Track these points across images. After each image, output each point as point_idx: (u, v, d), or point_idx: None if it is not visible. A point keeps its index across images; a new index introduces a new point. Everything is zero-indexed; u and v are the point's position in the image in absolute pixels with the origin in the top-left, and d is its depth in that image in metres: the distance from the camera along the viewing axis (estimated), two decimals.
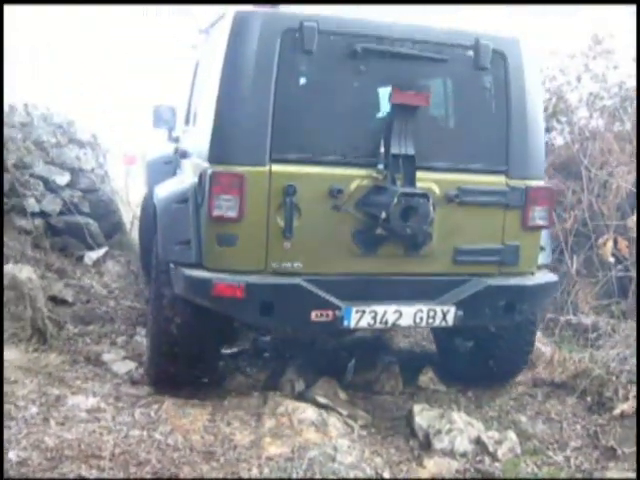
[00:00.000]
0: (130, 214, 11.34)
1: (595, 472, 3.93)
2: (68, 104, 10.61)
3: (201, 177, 4.24)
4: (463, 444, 4.13)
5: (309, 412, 4.18)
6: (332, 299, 4.19)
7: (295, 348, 5.81)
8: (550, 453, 4.21)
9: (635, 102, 6.88)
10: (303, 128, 4.22)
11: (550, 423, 4.57)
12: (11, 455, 3.28)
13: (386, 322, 4.32)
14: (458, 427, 4.23)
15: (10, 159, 7.49)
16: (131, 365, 5.21)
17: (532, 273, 4.72)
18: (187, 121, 5.75)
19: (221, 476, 3.40)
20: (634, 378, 4.62)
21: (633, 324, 5.55)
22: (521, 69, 4.54)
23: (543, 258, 4.87)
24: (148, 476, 3.32)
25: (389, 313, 4.29)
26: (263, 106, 4.10)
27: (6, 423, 3.61)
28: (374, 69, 4.32)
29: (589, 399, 4.74)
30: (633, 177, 6.32)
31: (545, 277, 4.81)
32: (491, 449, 4.10)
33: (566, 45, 7.35)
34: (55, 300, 6.61)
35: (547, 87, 7.57)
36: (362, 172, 4.26)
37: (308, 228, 4.18)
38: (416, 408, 4.49)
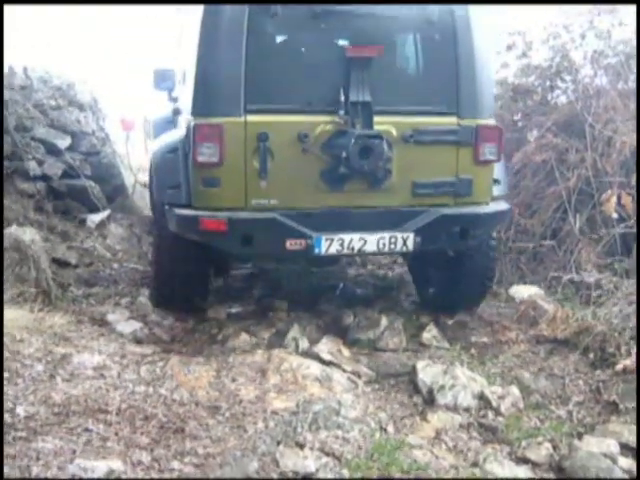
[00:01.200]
0: (132, 178, 11.33)
1: (597, 425, 3.96)
2: (67, 67, 10.52)
3: (187, 129, 4.83)
4: (466, 399, 4.16)
5: (313, 368, 4.22)
6: (304, 229, 4.79)
7: (299, 308, 5.84)
8: (552, 407, 4.23)
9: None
10: (272, 82, 4.81)
11: (552, 379, 4.57)
12: (19, 410, 3.31)
13: (352, 248, 4.92)
14: (461, 382, 4.25)
15: (10, 122, 7.45)
16: (136, 325, 5.24)
17: (486, 203, 5.26)
18: (180, 81, 6.09)
19: (227, 430, 3.43)
20: (636, 334, 4.64)
21: (635, 281, 5.55)
22: (468, 22, 5.05)
23: (498, 190, 5.42)
24: (154, 430, 3.35)
25: (355, 240, 4.89)
26: (236, 65, 4.68)
27: (13, 380, 3.65)
28: (333, 27, 4.90)
29: (591, 355, 4.74)
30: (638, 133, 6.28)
31: (497, 206, 5.34)
32: (494, 404, 4.12)
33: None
34: (59, 262, 6.64)
35: (551, 44, 7.48)
36: (325, 118, 4.83)
37: (280, 169, 4.76)
38: (419, 364, 4.52)
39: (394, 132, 4.90)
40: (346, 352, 4.93)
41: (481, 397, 4.20)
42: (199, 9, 4.90)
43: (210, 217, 4.69)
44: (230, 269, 6.72)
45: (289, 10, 4.76)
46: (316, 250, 4.83)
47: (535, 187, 6.79)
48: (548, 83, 7.61)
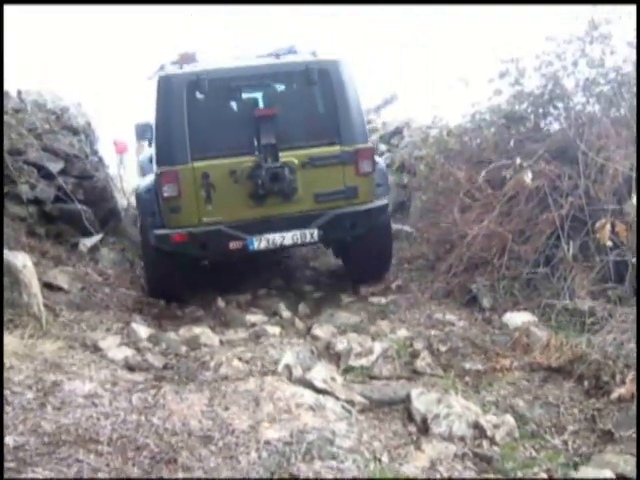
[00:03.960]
0: (124, 201, 11.31)
1: (593, 455, 3.92)
2: (61, 90, 10.54)
3: (155, 175, 6.95)
4: (461, 428, 4.12)
5: (307, 396, 4.18)
6: (241, 234, 6.82)
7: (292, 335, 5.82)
8: (548, 437, 4.19)
9: (634, 88, 6.85)
10: (208, 138, 6.81)
11: (547, 407, 4.54)
12: (8, 440, 3.25)
13: (275, 243, 6.94)
14: (456, 411, 4.22)
15: (4, 146, 7.43)
16: (127, 351, 5.19)
17: (371, 201, 7.19)
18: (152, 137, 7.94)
19: (220, 460, 3.38)
20: (631, 362, 4.61)
21: (629, 309, 5.53)
22: (341, 78, 7.06)
23: (382, 191, 7.44)
24: (146, 460, 3.30)
25: (277, 238, 6.91)
26: (182, 129, 6.73)
27: (3, 409, 3.59)
28: (247, 94, 7.31)
29: (586, 383, 4.71)
30: (630, 161, 6.29)
31: (377, 203, 7.25)
32: (489, 433, 4.09)
33: (563, 30, 7.31)
34: (50, 287, 6.60)
35: (543, 72, 7.54)
36: (247, 158, 6.83)
37: (220, 195, 6.79)
38: (414, 392, 4.49)
39: (296, 161, 6.91)
40: (340, 379, 4.90)
41: (476, 426, 4.16)
42: (155, 92, 6.94)
43: (177, 233, 6.76)
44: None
45: (214, 88, 6.78)
46: (250, 247, 6.88)
47: (528, 213, 6.78)
48: (541, 110, 7.66)
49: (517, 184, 6.87)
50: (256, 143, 6.84)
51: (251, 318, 6.56)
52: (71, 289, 6.75)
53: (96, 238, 8.16)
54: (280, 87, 7.34)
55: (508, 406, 4.56)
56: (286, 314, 6.85)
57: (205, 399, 4.05)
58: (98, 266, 7.81)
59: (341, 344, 5.63)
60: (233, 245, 6.82)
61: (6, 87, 8.62)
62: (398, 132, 11.23)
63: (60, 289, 6.65)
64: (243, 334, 5.98)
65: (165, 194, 6.70)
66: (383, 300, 7.18)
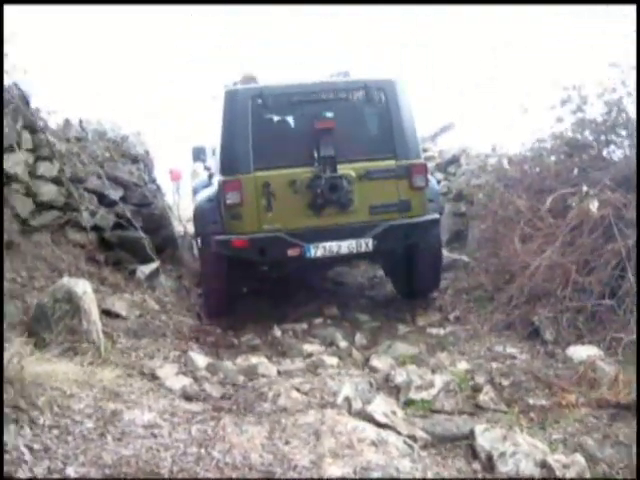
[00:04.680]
0: (180, 228, 11.40)
1: None
2: (119, 118, 10.70)
3: (219, 184, 7.38)
4: (529, 467, 3.96)
5: (368, 431, 4.07)
6: (299, 241, 7.13)
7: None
8: (620, 478, 4.01)
9: None
10: (270, 149, 7.21)
11: (618, 447, 4.34)
12: (69, 471, 3.22)
13: (331, 251, 7.23)
14: (523, 449, 4.06)
15: (66, 173, 7.54)
16: (185, 380, 5.15)
17: (423, 215, 7.55)
18: (212, 154, 8.76)
19: None
20: None
21: None
22: (396, 96, 7.57)
23: (433, 207, 7.83)
24: None
25: (333, 246, 7.22)
26: (245, 141, 7.20)
27: (64, 437, 3.57)
28: (307, 109, 7.40)
29: None
30: None
31: (428, 217, 7.61)
32: (558, 473, 3.91)
33: (628, 55, 7.14)
34: (109, 314, 6.63)
35: (606, 100, 7.38)
36: (307, 169, 7.23)
37: (280, 204, 7.20)
38: (478, 428, 4.35)
39: (353, 173, 7.32)
40: (400, 413, 4.77)
41: (544, 465, 3.99)
42: (221, 106, 7.42)
43: (237, 238, 7.11)
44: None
45: (277, 102, 7.31)
46: (307, 254, 7.18)
47: (593, 244, 6.59)
48: (603, 137, 7.49)
49: (581, 213, 6.70)
50: (316, 155, 7.21)
51: (308, 348, 6.49)
52: (129, 316, 6.76)
53: (154, 265, 8.19)
54: (339, 104, 7.55)
55: (577, 445, 4.37)
56: (343, 344, 6.76)
57: (265, 432, 3.97)
58: (155, 293, 7.83)
59: (400, 376, 5.51)
60: (291, 252, 7.13)
61: (68, 116, 8.80)
62: (455, 160, 11.11)
63: (118, 316, 6.67)
64: (300, 364, 5.90)
65: (228, 201, 7.13)
66: (442, 331, 7.06)
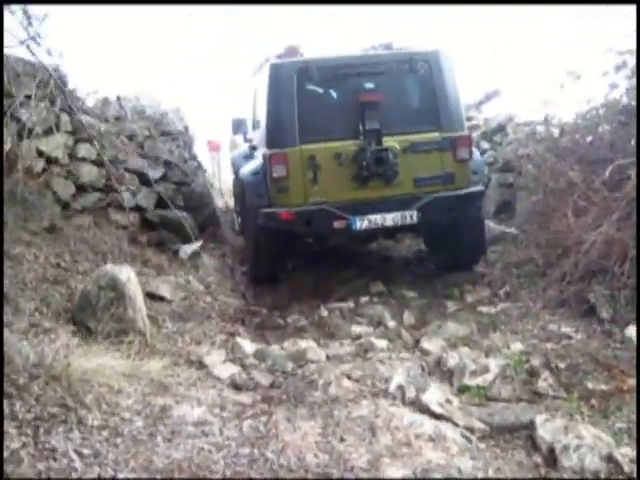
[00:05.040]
0: (221, 202, 11.27)
1: None
2: (157, 94, 10.55)
3: (264, 158, 7.40)
4: (594, 462, 3.76)
5: (426, 425, 3.92)
6: (344, 214, 7.16)
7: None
8: None
9: None
10: (315, 122, 7.25)
11: None
12: (121, 477, 3.12)
13: (377, 224, 7.27)
14: (587, 442, 3.87)
15: (106, 154, 7.44)
16: (233, 369, 5.05)
17: (467, 187, 7.53)
18: (254, 127, 8.97)
19: None
20: None
21: None
22: (440, 68, 7.51)
23: (477, 178, 7.85)
24: None
25: (378, 218, 7.25)
26: (291, 114, 7.22)
27: (113, 440, 3.47)
28: (352, 82, 7.34)
29: None
30: None
31: (473, 189, 7.59)
32: (627, 469, 3.72)
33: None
34: (153, 297, 6.55)
35: None
36: (352, 142, 7.26)
37: (326, 177, 7.24)
38: (538, 419, 4.16)
39: (398, 146, 7.32)
40: (456, 401, 4.61)
41: (610, 459, 3.80)
42: (265, 79, 7.54)
43: (284, 211, 7.13)
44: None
45: (322, 75, 7.28)
46: (353, 226, 7.22)
47: None
48: None
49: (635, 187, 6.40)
50: (361, 128, 7.23)
51: (356, 329, 6.35)
52: (174, 299, 6.68)
53: (196, 245, 8.10)
54: (384, 76, 7.46)
55: None
56: (391, 324, 6.60)
57: (319, 427, 3.84)
58: (199, 273, 7.74)
59: (453, 360, 5.34)
60: (337, 224, 7.16)
61: (106, 93, 8.68)
62: (501, 129, 10.74)
63: (163, 299, 6.60)
64: (349, 348, 5.75)
65: (274, 174, 7.16)
66: (493, 309, 6.85)
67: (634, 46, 7.13)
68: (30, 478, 2.92)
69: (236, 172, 9.36)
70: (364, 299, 7.49)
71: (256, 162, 7.92)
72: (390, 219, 7.27)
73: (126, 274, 5.32)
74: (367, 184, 7.28)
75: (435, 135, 7.43)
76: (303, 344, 5.76)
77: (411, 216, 7.28)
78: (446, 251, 8.38)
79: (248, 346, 5.54)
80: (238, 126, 9.70)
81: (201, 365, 5.10)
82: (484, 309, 6.88)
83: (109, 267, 5.44)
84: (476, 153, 8.14)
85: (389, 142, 7.26)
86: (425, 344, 5.83)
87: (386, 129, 7.24)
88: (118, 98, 9.50)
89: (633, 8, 6.63)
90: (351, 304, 7.34)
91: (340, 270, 8.67)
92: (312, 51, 8.06)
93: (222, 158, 15.38)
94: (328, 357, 5.50)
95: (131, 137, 8.22)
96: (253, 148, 8.55)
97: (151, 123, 8.64)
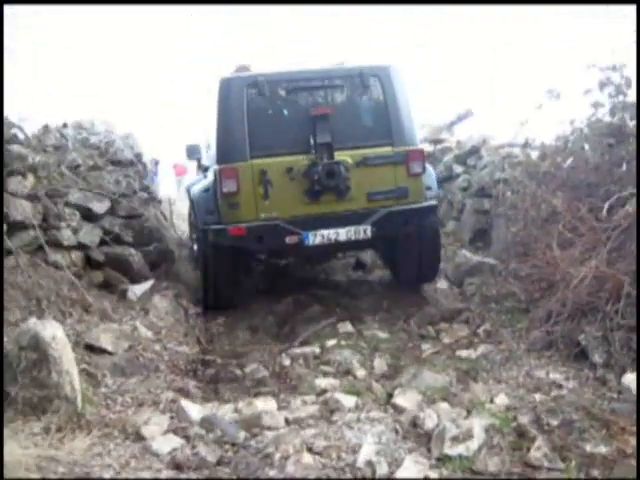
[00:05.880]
0: (179, 233, 10.58)
1: None
2: (110, 119, 9.94)
3: (215, 173, 7.30)
4: None
5: None
6: (296, 229, 7.10)
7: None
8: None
9: None
10: (266, 137, 7.16)
11: None
12: None
13: (330, 239, 7.20)
14: None
15: (42, 188, 6.71)
16: (175, 442, 4.29)
17: (420, 202, 7.53)
18: (207, 150, 8.79)
19: None
20: None
21: None
22: (391, 83, 7.51)
23: (430, 194, 7.81)
24: None
25: (331, 233, 7.18)
26: (241, 129, 7.13)
27: None
28: (302, 97, 7.39)
29: None
30: None
31: (427, 203, 7.62)
32: None
33: None
34: (92, 349, 5.81)
35: None
36: (303, 156, 7.19)
37: (277, 192, 7.15)
38: None
39: (350, 160, 7.30)
40: (434, 474, 3.94)
41: None
42: (216, 94, 7.37)
43: (234, 227, 7.05)
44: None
45: (272, 90, 7.26)
46: (306, 242, 7.14)
47: None
48: None
49: (626, 215, 5.81)
50: (312, 142, 7.18)
51: (321, 382, 5.62)
52: (116, 350, 5.93)
53: (147, 285, 7.38)
54: (335, 90, 7.53)
55: None
56: (361, 373, 5.92)
57: None
58: (149, 317, 6.99)
59: (431, 420, 4.65)
60: (289, 239, 7.10)
61: (48, 121, 7.97)
62: (475, 151, 10.13)
63: (104, 351, 5.85)
64: (313, 407, 5.01)
65: (224, 189, 7.07)
66: (472, 354, 6.19)
67: (633, 47, 6.60)
68: (30, 478, 2.77)
69: (191, 200, 9.08)
70: (331, 342, 6.79)
71: (206, 180, 7.94)
72: (344, 234, 7.23)
73: (51, 331, 4.56)
74: (319, 199, 7.24)
75: (388, 149, 7.42)
76: (260, 405, 5.02)
77: (365, 230, 7.26)
78: (403, 265, 8.46)
79: (195, 411, 4.76)
80: (192, 152, 9.51)
81: (138, 437, 4.36)
82: (463, 353, 6.23)
83: (32, 323, 4.68)
84: (429, 168, 8.14)
85: (341, 156, 7.24)
86: (399, 399, 5.13)
87: (338, 143, 7.23)
88: (65, 125, 8.79)
89: (633, 8, 6.54)
90: (316, 349, 6.64)
91: (305, 307, 8.02)
92: (263, 69, 7.87)
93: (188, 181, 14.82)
94: (288, 421, 4.76)
95: (74, 168, 7.48)
96: (205, 169, 8.57)
97: (96, 151, 7.89)
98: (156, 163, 14.85)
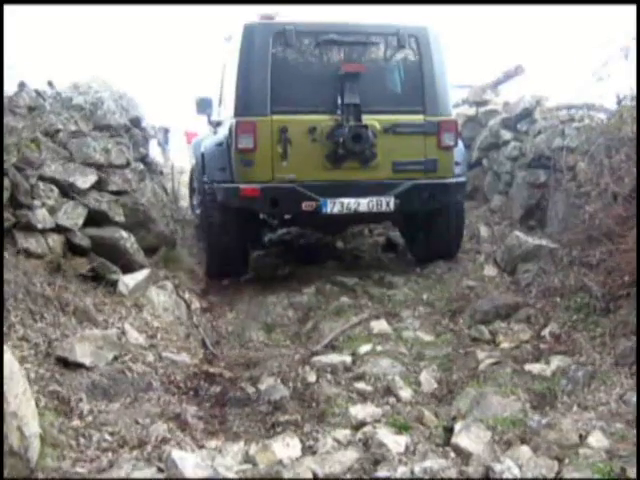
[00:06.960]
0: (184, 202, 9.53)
1: None
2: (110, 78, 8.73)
3: (230, 126, 6.90)
4: None
5: None
6: (314, 195, 6.71)
7: None
8: None
9: None
10: (290, 92, 6.77)
11: None
12: None
13: (350, 208, 6.79)
14: None
15: (10, 158, 5.44)
16: None
17: (450, 177, 7.14)
18: (220, 104, 8.24)
19: None
20: None
21: None
22: (428, 45, 7.04)
23: (459, 169, 7.31)
24: None
25: (351, 203, 6.78)
26: (264, 81, 6.71)
27: None
28: (332, 51, 7.02)
29: None
30: None
31: (455, 180, 7.20)
32: None
33: None
34: (66, 364, 4.58)
35: None
36: (328, 116, 6.81)
37: (297, 153, 6.75)
38: None
39: (378, 125, 6.83)
40: None
41: None
42: (237, 42, 6.91)
43: (248, 187, 6.62)
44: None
45: (300, 41, 6.84)
46: (323, 210, 6.70)
47: None
48: None
49: None
50: (339, 102, 6.75)
51: (358, 412, 4.34)
52: (97, 364, 4.70)
53: (141, 275, 6.14)
54: (367, 48, 7.13)
55: None
56: (405, 394, 4.70)
57: None
58: (142, 314, 5.77)
59: (510, 474, 3.43)
60: (306, 206, 6.69)
61: (24, 78, 6.68)
62: (527, 115, 8.65)
63: (80, 366, 4.61)
64: (349, 453, 3.74)
65: (240, 145, 6.65)
66: (545, 368, 4.93)
67: None
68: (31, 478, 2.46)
69: (196, 158, 8.74)
70: (364, 348, 5.55)
71: (220, 134, 7.44)
72: (365, 204, 6.81)
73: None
74: (342, 164, 6.83)
75: (419, 117, 7.01)
76: (278, 449, 3.76)
77: (388, 203, 6.85)
78: (423, 242, 7.94)
79: (190, 465, 3.46)
80: (203, 105, 8.47)
81: None
82: (534, 368, 4.96)
83: None
84: (460, 142, 7.59)
85: (369, 120, 6.78)
86: (462, 439, 3.90)
87: (366, 106, 6.76)
88: (50, 84, 7.48)
89: (633, 8, 6.19)
90: (347, 357, 5.40)
91: (330, 298, 6.85)
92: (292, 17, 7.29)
93: None
94: (315, 477, 3.51)
95: (52, 134, 6.21)
96: (217, 124, 7.99)
97: (79, 114, 6.57)
98: (166, 132, 13.81)
